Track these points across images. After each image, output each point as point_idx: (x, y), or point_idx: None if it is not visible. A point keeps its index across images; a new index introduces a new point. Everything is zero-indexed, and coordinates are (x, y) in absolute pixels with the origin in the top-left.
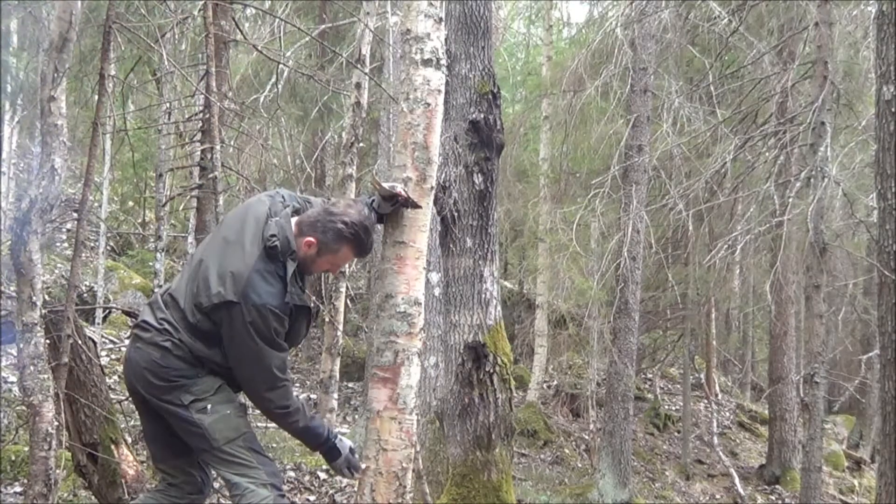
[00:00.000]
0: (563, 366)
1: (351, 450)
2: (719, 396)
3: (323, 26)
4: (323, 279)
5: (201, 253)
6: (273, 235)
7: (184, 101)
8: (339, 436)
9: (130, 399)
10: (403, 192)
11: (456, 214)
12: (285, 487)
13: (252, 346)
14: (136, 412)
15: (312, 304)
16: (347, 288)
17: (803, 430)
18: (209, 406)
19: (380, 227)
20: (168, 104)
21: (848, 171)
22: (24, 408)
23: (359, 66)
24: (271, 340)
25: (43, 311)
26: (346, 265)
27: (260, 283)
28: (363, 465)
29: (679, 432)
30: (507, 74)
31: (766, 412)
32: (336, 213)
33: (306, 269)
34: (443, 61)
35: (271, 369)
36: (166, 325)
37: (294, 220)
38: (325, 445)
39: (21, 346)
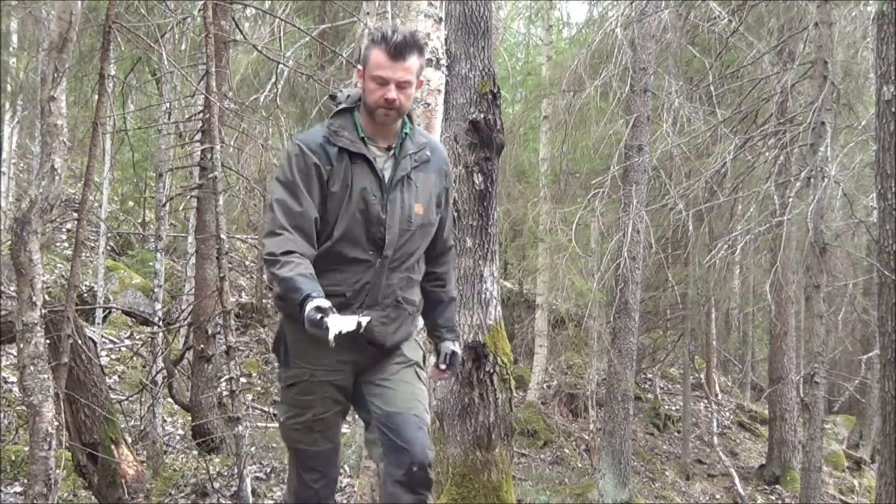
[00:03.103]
0: (562, 366)
1: (320, 308)
2: (719, 396)
3: (323, 26)
4: None
5: None
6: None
7: (184, 101)
8: (320, 298)
9: None
10: None
11: (456, 214)
12: (285, 487)
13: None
14: None
15: (372, 157)
16: None
17: (803, 430)
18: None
19: None
20: (168, 104)
21: (848, 171)
22: (24, 408)
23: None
24: (284, 178)
25: (43, 311)
26: (391, 79)
27: (310, 129)
28: (330, 335)
29: (679, 432)
30: (507, 74)
31: (766, 412)
32: None
33: (369, 106)
34: (443, 61)
35: (272, 210)
36: None
37: None
38: (299, 305)
39: (21, 346)
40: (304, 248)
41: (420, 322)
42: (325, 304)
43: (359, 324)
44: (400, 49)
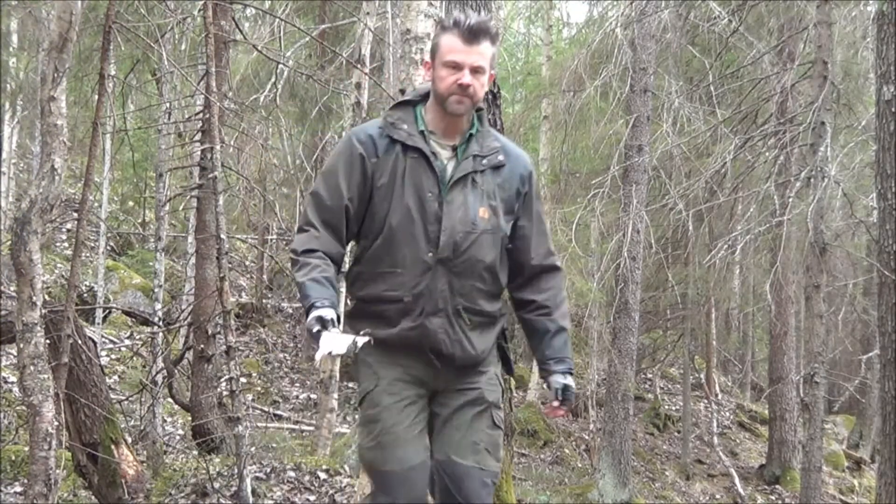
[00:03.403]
0: None
1: (321, 320)
2: (719, 396)
3: (323, 26)
4: None
5: None
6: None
7: (184, 101)
8: (325, 309)
9: None
10: None
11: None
12: (285, 487)
13: None
14: None
15: (429, 152)
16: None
17: (803, 430)
18: None
19: None
20: (168, 104)
21: (848, 171)
22: (24, 408)
23: (359, 66)
24: (326, 169)
25: (43, 311)
26: (465, 64)
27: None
28: (318, 353)
29: (679, 432)
30: (507, 74)
31: (766, 412)
32: None
33: (441, 95)
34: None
35: (306, 203)
36: None
37: None
38: (306, 313)
39: (21, 346)
40: (328, 244)
41: (491, 351)
42: (329, 315)
43: (354, 343)
44: (475, 32)
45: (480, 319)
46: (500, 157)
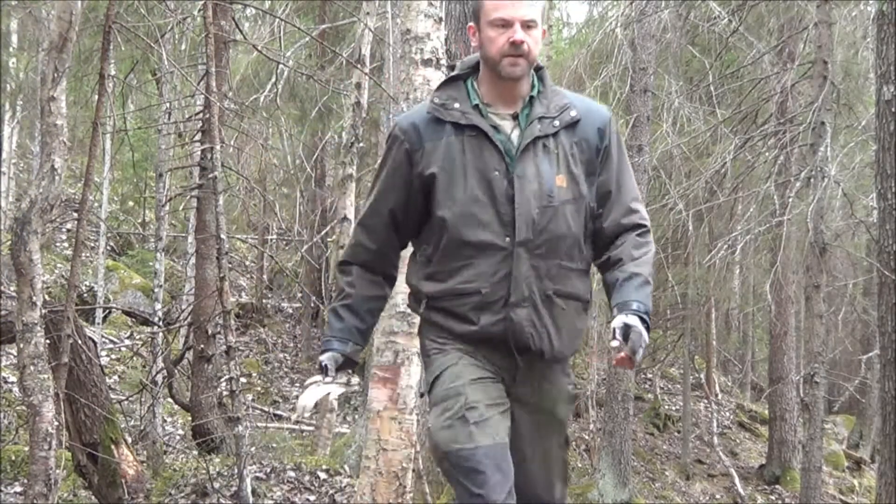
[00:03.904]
0: None
1: (320, 366)
2: (719, 396)
3: (323, 26)
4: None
5: None
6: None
7: (184, 101)
8: (327, 353)
9: None
10: None
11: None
12: (285, 487)
13: None
14: None
15: (488, 126)
16: None
17: (803, 430)
18: None
19: None
20: (168, 104)
21: (848, 171)
22: (24, 408)
23: (359, 66)
24: (377, 167)
25: (43, 311)
26: (514, 18)
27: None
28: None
29: (679, 432)
30: None
31: (766, 412)
32: None
33: (492, 59)
34: (443, 61)
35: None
36: None
37: None
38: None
39: (21, 346)
40: (367, 255)
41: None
42: (331, 362)
43: (326, 395)
44: None
45: (575, 304)
46: (573, 113)
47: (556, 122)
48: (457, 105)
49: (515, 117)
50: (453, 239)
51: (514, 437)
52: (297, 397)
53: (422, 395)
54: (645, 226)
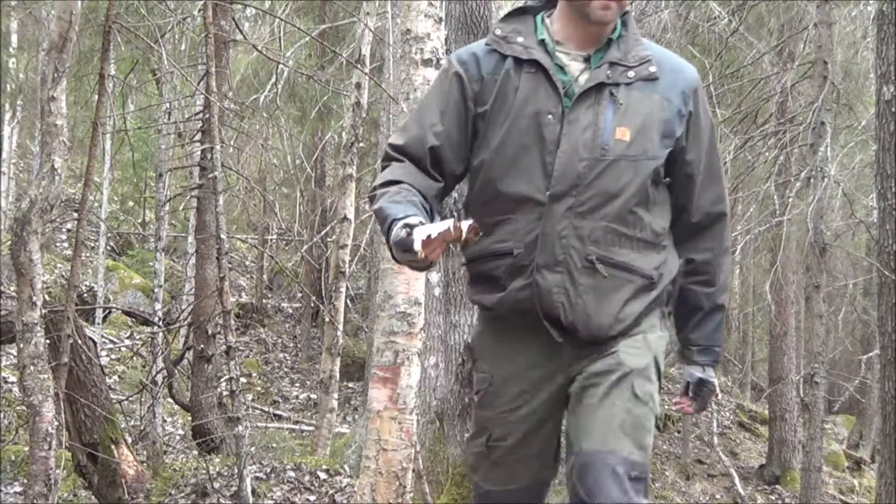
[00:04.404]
0: None
1: (408, 225)
2: (719, 396)
3: (323, 26)
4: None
5: None
6: None
7: (184, 101)
8: (410, 217)
9: None
10: None
11: (456, 214)
12: (285, 487)
13: None
14: None
15: (551, 67)
16: (347, 288)
17: (803, 430)
18: None
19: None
20: (168, 104)
21: (848, 171)
22: (24, 408)
23: (359, 66)
24: (420, 101)
25: (43, 311)
26: None
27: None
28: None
29: (679, 432)
30: None
31: (766, 412)
32: None
33: (577, 5)
34: (443, 61)
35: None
36: None
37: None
38: (386, 234)
39: (21, 346)
40: (411, 176)
41: (642, 320)
42: (415, 220)
43: (453, 225)
44: None
45: (627, 277)
46: (652, 69)
47: (631, 74)
48: (520, 39)
49: (588, 60)
50: (490, 189)
51: (571, 412)
52: (297, 397)
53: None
54: (727, 214)
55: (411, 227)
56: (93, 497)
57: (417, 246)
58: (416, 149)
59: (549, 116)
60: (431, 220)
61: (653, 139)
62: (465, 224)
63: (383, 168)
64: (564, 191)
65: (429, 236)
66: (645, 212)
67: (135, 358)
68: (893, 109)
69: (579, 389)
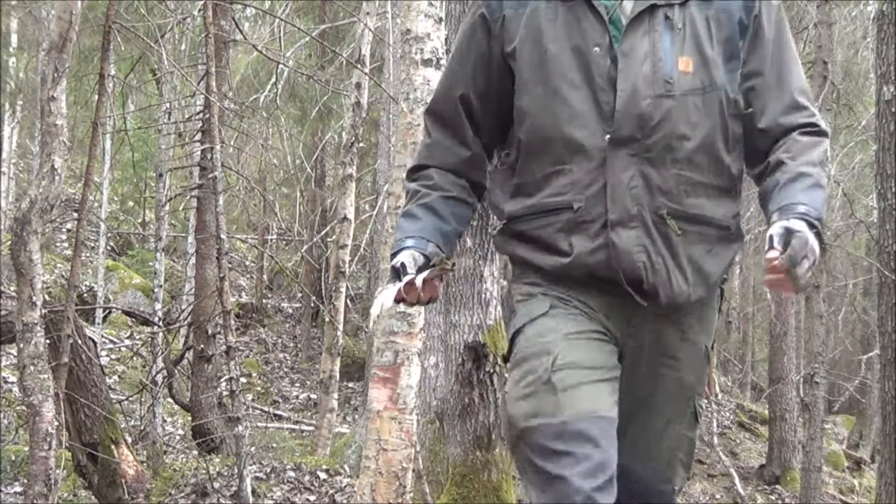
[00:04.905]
0: None
1: (393, 270)
2: (719, 396)
3: (323, 26)
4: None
5: None
6: None
7: (184, 101)
8: (401, 253)
9: None
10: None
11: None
12: (285, 487)
13: None
14: None
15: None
16: (347, 288)
17: (803, 430)
18: None
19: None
20: (168, 104)
21: (848, 171)
22: (24, 408)
23: (359, 66)
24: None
25: (43, 311)
26: None
27: None
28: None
29: None
30: None
31: (766, 412)
32: None
33: None
34: (443, 61)
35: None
36: None
37: None
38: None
39: (21, 346)
40: (442, 153)
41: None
42: (408, 259)
43: (402, 287)
44: None
45: (704, 230)
46: None
47: None
48: None
49: None
50: (537, 136)
51: (627, 418)
52: (297, 397)
53: (505, 361)
54: (817, 125)
55: (395, 272)
56: (93, 497)
57: (371, 320)
58: (445, 106)
59: (597, 49)
60: (456, 223)
61: (719, 65)
62: (419, 279)
63: (421, 144)
64: (628, 135)
65: (381, 307)
66: (724, 153)
67: (135, 358)
68: (893, 109)
69: (639, 402)
